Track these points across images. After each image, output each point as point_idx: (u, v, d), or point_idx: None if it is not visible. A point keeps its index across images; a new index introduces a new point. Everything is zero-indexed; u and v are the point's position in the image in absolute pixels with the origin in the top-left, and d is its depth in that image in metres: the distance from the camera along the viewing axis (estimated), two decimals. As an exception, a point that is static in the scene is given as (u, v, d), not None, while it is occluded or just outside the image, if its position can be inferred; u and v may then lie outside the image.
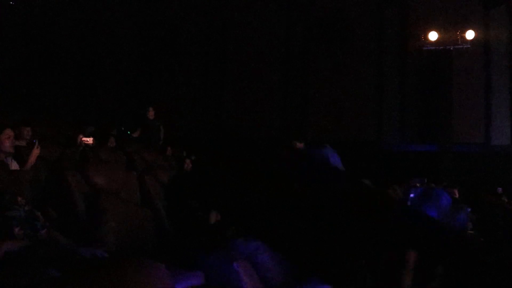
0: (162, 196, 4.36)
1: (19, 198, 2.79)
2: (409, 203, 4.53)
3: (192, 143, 8.84)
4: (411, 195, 4.62)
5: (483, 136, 11.37)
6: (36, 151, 4.47)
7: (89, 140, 6.40)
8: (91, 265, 2.40)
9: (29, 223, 2.71)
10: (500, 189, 9.78)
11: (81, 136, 6.19)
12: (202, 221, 3.47)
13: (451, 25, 11.14)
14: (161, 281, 1.75)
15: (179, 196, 4.32)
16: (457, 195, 6.83)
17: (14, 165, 4.09)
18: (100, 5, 11.49)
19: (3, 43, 9.63)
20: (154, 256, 3.03)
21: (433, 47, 11.13)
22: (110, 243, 3.33)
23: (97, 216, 3.44)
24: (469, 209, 5.14)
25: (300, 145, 4.71)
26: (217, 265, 1.84)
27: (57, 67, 10.74)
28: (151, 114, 8.99)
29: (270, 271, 2.02)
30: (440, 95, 11.38)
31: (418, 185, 7.59)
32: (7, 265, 2.40)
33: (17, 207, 2.71)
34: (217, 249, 1.98)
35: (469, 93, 11.32)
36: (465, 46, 11.02)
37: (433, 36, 11.06)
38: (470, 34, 11.01)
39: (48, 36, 10.58)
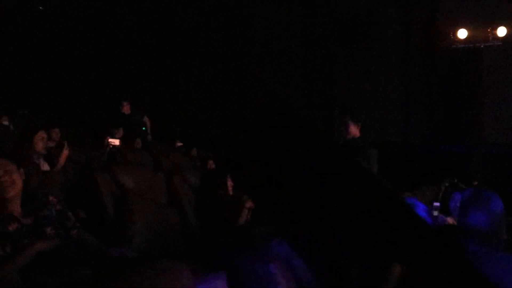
0: (190, 197, 4.36)
1: (51, 198, 2.82)
2: (453, 204, 4.41)
3: (215, 144, 8.84)
4: (456, 197, 4.47)
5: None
6: (65, 152, 4.54)
7: (116, 141, 6.47)
8: (116, 267, 2.42)
9: (61, 223, 2.73)
10: None
11: (108, 138, 6.27)
12: (229, 221, 3.44)
13: (482, 22, 10.89)
14: (182, 282, 1.74)
15: (207, 194, 4.30)
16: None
17: (45, 166, 4.16)
18: (120, 7, 11.59)
19: (30, 46, 9.81)
20: (180, 257, 3.04)
21: (462, 45, 10.91)
22: (137, 243, 3.34)
23: (125, 217, 3.46)
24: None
25: (354, 127, 4.33)
26: (249, 266, 1.81)
27: (83, 70, 10.89)
28: (126, 109, 8.24)
29: (307, 275, 1.97)
30: (469, 94, 11.15)
31: (447, 184, 7.40)
32: (39, 264, 2.43)
33: (49, 207, 2.74)
34: (246, 250, 1.95)
35: (500, 92, 11.07)
36: (496, 43, 10.76)
37: (462, 34, 10.82)
38: (501, 31, 10.73)
39: (73, 40, 10.73)
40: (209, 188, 4.13)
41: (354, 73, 11.32)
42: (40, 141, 4.29)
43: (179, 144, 8.81)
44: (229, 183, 4.15)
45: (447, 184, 7.66)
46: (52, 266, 2.43)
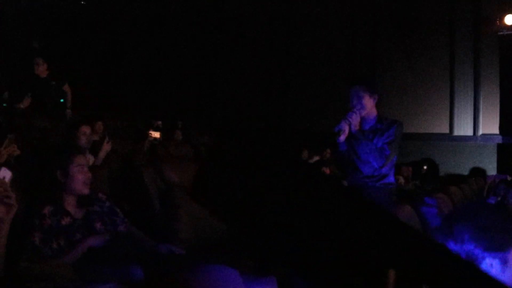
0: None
1: (100, 195, 2.84)
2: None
3: (255, 136, 8.78)
4: None
5: None
6: (106, 147, 4.53)
7: (157, 134, 6.50)
8: (166, 265, 2.40)
9: (110, 219, 2.75)
10: None
11: (149, 131, 6.30)
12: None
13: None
14: (233, 287, 1.72)
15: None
16: None
17: (91, 160, 4.18)
18: (165, 1, 11.66)
19: (70, 37, 9.97)
20: (226, 257, 2.99)
21: (510, 32, 10.47)
22: (183, 239, 3.32)
23: (170, 212, 3.44)
24: None
25: (370, 101, 3.55)
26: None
27: (125, 62, 11.02)
28: (41, 70, 6.42)
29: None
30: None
31: (496, 181, 7.07)
32: (90, 259, 2.44)
33: (99, 203, 2.76)
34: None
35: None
36: None
37: (509, 20, 10.40)
38: None
39: (114, 33, 10.86)
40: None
41: (397, 62, 11.05)
42: (83, 136, 4.32)
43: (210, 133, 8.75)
44: None
45: (497, 181, 7.36)
46: (103, 261, 2.43)
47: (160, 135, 6.65)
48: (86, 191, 2.66)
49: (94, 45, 10.36)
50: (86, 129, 4.38)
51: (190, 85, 11.52)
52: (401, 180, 7.09)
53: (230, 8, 11.62)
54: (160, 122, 7.39)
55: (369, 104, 3.43)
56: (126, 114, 7.89)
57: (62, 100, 6.72)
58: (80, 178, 2.63)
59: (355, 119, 3.35)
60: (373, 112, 3.50)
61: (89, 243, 2.51)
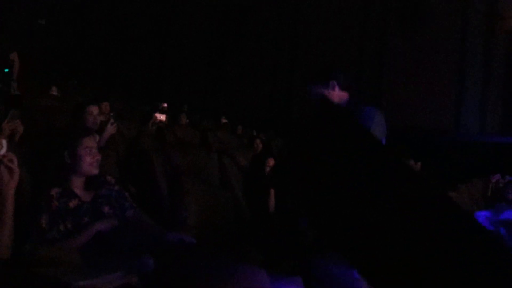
0: (240, 179, 4.25)
1: (109, 178, 2.77)
2: None
3: (261, 123, 8.71)
4: None
5: None
6: (110, 129, 4.40)
7: (162, 117, 6.42)
8: (180, 260, 2.33)
9: (118, 203, 2.69)
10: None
11: (155, 113, 6.22)
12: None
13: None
14: (261, 286, 1.67)
15: (256, 178, 4.18)
16: None
17: (102, 142, 4.09)
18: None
19: (81, 23, 9.87)
20: (234, 245, 2.92)
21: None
22: (190, 226, 3.26)
23: (179, 198, 3.37)
24: None
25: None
26: (329, 271, 1.67)
27: (132, 43, 10.91)
28: None
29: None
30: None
31: (500, 180, 6.92)
32: (99, 246, 2.37)
33: (108, 186, 2.69)
34: (323, 253, 1.80)
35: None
36: None
37: None
38: None
39: (122, 14, 10.73)
40: (258, 172, 4.03)
41: (406, 57, 10.94)
42: (90, 116, 4.21)
43: (224, 121, 8.70)
44: (271, 164, 4.03)
45: (500, 180, 7.24)
46: (111, 248, 2.36)
47: (166, 118, 6.58)
48: (95, 171, 2.61)
49: (101, 26, 10.24)
50: (93, 109, 4.26)
51: (196, 68, 11.41)
52: None
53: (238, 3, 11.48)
54: (165, 105, 7.31)
55: (335, 97, 2.80)
56: (131, 96, 7.82)
57: (6, 70, 5.97)
58: (87, 160, 2.57)
59: None
60: (343, 99, 2.81)
61: (97, 228, 2.44)
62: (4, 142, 1.98)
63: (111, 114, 4.99)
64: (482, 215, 4.88)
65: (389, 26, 11.08)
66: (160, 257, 2.23)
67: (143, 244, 2.42)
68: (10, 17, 8.28)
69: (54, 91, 6.30)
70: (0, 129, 3.41)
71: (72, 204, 2.51)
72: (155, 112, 6.45)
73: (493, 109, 10.67)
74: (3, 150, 1.98)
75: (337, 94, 2.80)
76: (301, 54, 11.42)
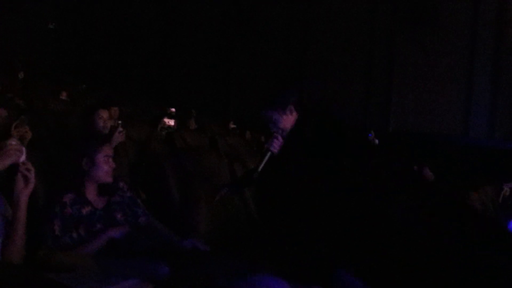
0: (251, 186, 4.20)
1: (122, 184, 2.75)
2: None
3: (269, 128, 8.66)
4: None
5: None
6: (118, 137, 4.33)
7: (171, 122, 6.41)
8: (195, 268, 2.30)
9: (131, 210, 2.67)
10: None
11: (165, 118, 6.21)
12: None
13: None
14: None
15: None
16: None
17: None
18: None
19: (90, 28, 9.91)
20: (248, 253, 2.89)
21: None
22: (202, 232, 3.23)
23: (191, 203, 3.34)
24: None
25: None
26: (350, 280, 1.64)
27: (140, 48, 10.94)
28: None
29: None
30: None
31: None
32: (112, 252, 2.35)
33: (120, 192, 2.67)
34: (344, 263, 1.76)
35: None
36: None
37: None
38: None
39: (131, 18, 10.77)
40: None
41: (415, 61, 10.91)
42: (101, 120, 4.18)
43: (233, 126, 8.69)
44: None
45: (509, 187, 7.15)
46: (125, 254, 2.34)
47: (175, 122, 6.57)
48: (110, 179, 2.62)
49: (110, 30, 10.28)
50: (103, 113, 4.23)
51: (205, 73, 11.42)
52: None
53: (246, 4, 11.49)
54: (174, 110, 7.31)
55: (288, 121, 2.85)
56: (141, 100, 7.82)
57: None
58: (105, 168, 2.59)
59: (277, 145, 2.80)
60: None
61: (110, 235, 2.43)
62: (23, 149, 1.97)
63: (119, 122, 4.94)
64: None
65: (398, 31, 11.05)
66: (175, 264, 2.21)
67: (158, 251, 2.40)
68: (20, 22, 8.33)
69: (63, 95, 6.32)
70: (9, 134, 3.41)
71: (85, 211, 2.50)
72: (164, 117, 6.45)
73: (502, 114, 10.62)
74: (23, 158, 1.97)
75: (291, 119, 2.86)
76: (310, 59, 11.41)
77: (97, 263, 2.27)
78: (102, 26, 10.20)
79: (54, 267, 2.24)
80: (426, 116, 10.29)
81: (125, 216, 2.62)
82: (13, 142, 2.04)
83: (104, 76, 8.61)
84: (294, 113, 2.87)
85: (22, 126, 3.51)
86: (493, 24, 10.57)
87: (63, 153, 2.79)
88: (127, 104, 6.76)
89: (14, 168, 1.96)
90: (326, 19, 11.25)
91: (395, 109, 10.49)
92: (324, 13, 11.25)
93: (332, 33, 11.13)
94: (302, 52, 11.49)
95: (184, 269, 2.18)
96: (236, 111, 10.81)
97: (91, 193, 2.58)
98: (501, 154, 10.16)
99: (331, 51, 11.04)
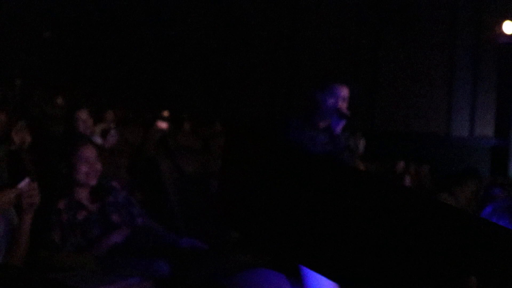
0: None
1: (114, 183, 2.74)
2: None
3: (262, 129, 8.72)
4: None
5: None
6: (111, 140, 4.30)
7: (164, 124, 6.46)
8: (196, 266, 2.35)
9: (126, 210, 2.63)
10: None
11: (157, 121, 6.25)
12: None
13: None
14: None
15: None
16: None
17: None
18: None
19: (84, 32, 9.92)
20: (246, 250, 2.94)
21: (509, 40, 10.37)
22: (200, 232, 3.28)
23: (187, 205, 3.40)
24: None
25: None
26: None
27: (134, 52, 10.97)
28: None
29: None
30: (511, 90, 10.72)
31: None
32: (113, 252, 2.38)
33: (114, 193, 2.64)
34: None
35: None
36: None
37: (508, 27, 10.27)
38: None
39: (124, 23, 10.80)
40: None
41: (399, 62, 11.06)
42: (81, 121, 4.04)
43: (220, 127, 8.72)
44: None
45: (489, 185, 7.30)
46: (126, 254, 2.38)
47: (168, 125, 6.61)
48: (93, 181, 2.52)
49: (104, 34, 10.30)
50: (82, 113, 4.08)
51: (198, 75, 11.47)
52: (407, 181, 6.53)
53: (234, 7, 11.56)
54: (167, 112, 7.35)
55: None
56: (136, 103, 7.86)
57: None
58: (83, 169, 2.48)
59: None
60: None
61: (112, 241, 2.41)
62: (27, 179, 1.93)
63: (111, 126, 4.93)
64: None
65: (383, 33, 11.20)
66: (175, 262, 2.26)
67: (157, 250, 2.44)
68: (16, 30, 8.33)
69: (59, 100, 6.34)
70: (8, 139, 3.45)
71: (80, 216, 2.45)
72: (157, 119, 6.49)
73: (483, 113, 10.82)
74: (24, 183, 1.93)
75: None
76: (299, 61, 11.51)
77: (99, 263, 2.31)
78: (96, 30, 10.22)
79: (56, 267, 2.28)
80: (410, 116, 10.45)
81: (121, 217, 2.57)
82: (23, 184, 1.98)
83: (100, 80, 8.63)
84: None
85: (22, 131, 3.53)
86: (472, 25, 10.74)
87: (50, 157, 2.76)
88: (121, 107, 6.80)
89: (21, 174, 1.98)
90: (312, 23, 11.36)
91: (380, 108, 10.64)
92: (311, 17, 11.36)
93: (318, 36, 11.25)
94: (291, 56, 11.58)
95: (185, 267, 2.23)
96: (229, 112, 10.86)
97: (83, 196, 2.52)
98: (481, 151, 10.35)
99: (317, 53, 11.15)
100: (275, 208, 0.86)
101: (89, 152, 2.54)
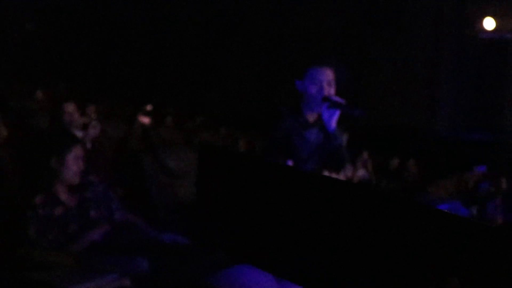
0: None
1: (91, 176, 2.69)
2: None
3: (245, 124, 8.72)
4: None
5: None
6: (92, 133, 4.22)
7: (146, 119, 6.39)
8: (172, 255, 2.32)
9: (105, 205, 2.60)
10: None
11: (139, 116, 6.19)
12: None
13: (509, 12, 10.48)
14: None
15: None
16: (504, 185, 6.53)
17: (89, 144, 4.03)
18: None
19: (67, 26, 9.78)
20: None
21: (490, 36, 10.51)
22: (182, 227, 3.25)
23: (168, 200, 3.37)
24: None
25: None
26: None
27: (117, 47, 10.85)
28: None
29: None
30: (494, 85, 10.88)
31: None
32: (92, 249, 2.35)
33: (92, 187, 2.61)
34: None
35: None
36: None
37: (489, 23, 10.41)
38: None
39: (107, 16, 10.67)
40: None
41: (383, 58, 11.13)
42: (67, 114, 4.01)
43: (208, 121, 8.68)
44: None
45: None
46: (106, 251, 2.34)
47: (150, 121, 6.55)
48: (77, 180, 2.53)
49: (87, 28, 10.17)
50: (69, 107, 4.02)
51: (181, 69, 11.40)
52: (361, 173, 6.16)
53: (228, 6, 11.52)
54: (150, 107, 7.28)
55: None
56: (118, 97, 7.77)
57: None
58: (74, 168, 2.49)
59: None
60: None
61: (91, 237, 2.38)
62: None
63: (92, 118, 4.86)
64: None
65: (368, 32, 11.27)
66: (155, 258, 2.23)
67: (136, 246, 2.41)
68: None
69: (39, 94, 6.24)
70: None
71: (57, 211, 2.43)
72: (139, 114, 6.43)
73: (464, 108, 10.98)
74: None
75: None
76: (285, 57, 11.51)
77: (77, 260, 2.28)
78: (79, 24, 10.08)
79: (34, 265, 2.24)
80: (395, 111, 10.54)
81: (100, 212, 2.55)
82: None
83: (82, 74, 8.51)
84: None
85: None
86: (455, 21, 10.87)
87: (33, 152, 2.72)
88: (104, 101, 6.71)
89: None
90: (298, 24, 11.38)
91: (365, 103, 10.71)
92: (296, 15, 11.38)
93: (304, 35, 11.27)
94: (275, 53, 11.58)
95: (165, 263, 2.20)
96: (212, 106, 10.82)
97: (62, 191, 2.49)
98: (464, 145, 10.48)
99: (303, 50, 11.16)
100: (249, 219, 0.88)
101: (81, 151, 2.56)
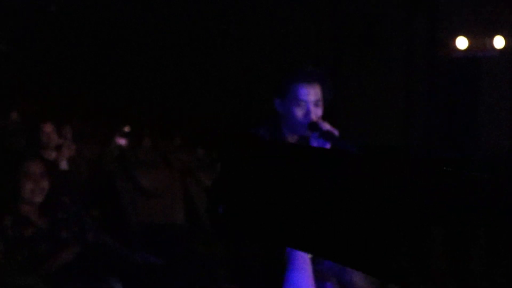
0: (204, 199, 4.24)
1: (63, 198, 2.67)
2: None
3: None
4: None
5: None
6: (66, 153, 4.17)
7: (122, 141, 6.35)
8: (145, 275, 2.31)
9: (77, 226, 2.58)
10: None
11: (116, 137, 6.15)
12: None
13: (481, 31, 10.81)
14: None
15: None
16: None
17: (63, 164, 3.97)
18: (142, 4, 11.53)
19: (42, 43, 9.72)
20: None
21: (462, 55, 10.80)
22: (158, 247, 3.24)
23: (143, 220, 3.36)
24: None
25: None
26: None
27: (96, 65, 10.79)
28: None
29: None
30: (467, 104, 11.14)
31: None
32: (63, 271, 2.31)
33: (64, 208, 2.58)
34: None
35: (497, 103, 11.06)
36: (494, 54, 10.59)
37: (461, 42, 10.70)
38: (499, 42, 10.51)
39: (82, 34, 10.64)
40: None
41: (357, 78, 11.29)
42: (44, 135, 3.96)
43: (185, 141, 8.59)
44: None
45: None
46: (77, 273, 2.31)
47: (126, 142, 6.50)
48: (38, 199, 2.45)
49: (60, 48, 10.12)
50: (47, 127, 3.99)
51: (160, 88, 11.39)
52: None
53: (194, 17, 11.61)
54: (128, 128, 7.24)
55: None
56: (94, 117, 7.72)
57: None
58: (27, 186, 2.42)
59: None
60: None
61: (61, 259, 2.35)
62: None
63: (68, 138, 4.82)
64: None
65: (338, 53, 11.46)
66: (128, 279, 2.21)
67: (110, 267, 2.39)
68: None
69: (14, 115, 6.15)
70: None
71: (27, 232, 2.38)
72: (116, 135, 6.39)
73: (438, 128, 11.17)
74: None
75: None
76: (258, 70, 11.58)
77: (47, 282, 2.24)
78: (53, 43, 10.02)
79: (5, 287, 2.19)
80: (369, 130, 10.67)
81: (72, 233, 2.51)
82: None
83: (57, 94, 8.43)
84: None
85: None
86: (427, 41, 11.14)
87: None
88: (79, 122, 6.65)
89: None
90: (272, 40, 11.50)
91: (339, 123, 10.80)
92: (270, 34, 11.50)
93: (279, 55, 11.38)
94: (247, 67, 11.64)
95: (138, 284, 2.18)
96: (190, 124, 10.78)
97: (31, 212, 2.45)
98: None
99: (275, 66, 11.25)
100: (278, 201, 0.89)
101: (35, 168, 2.48)
